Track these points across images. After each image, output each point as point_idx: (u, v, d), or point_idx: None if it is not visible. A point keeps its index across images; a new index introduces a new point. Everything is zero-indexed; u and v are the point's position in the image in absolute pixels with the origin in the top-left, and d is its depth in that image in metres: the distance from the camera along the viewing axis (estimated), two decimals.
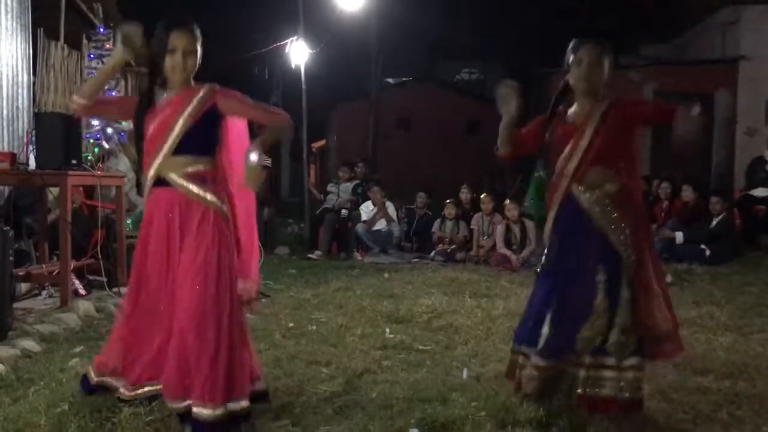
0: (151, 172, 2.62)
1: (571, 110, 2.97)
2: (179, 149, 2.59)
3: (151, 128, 2.61)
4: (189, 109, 2.58)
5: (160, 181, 2.63)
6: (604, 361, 2.79)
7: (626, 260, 2.81)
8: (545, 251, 3.05)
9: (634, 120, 2.95)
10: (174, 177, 2.59)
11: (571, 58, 2.92)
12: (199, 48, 2.61)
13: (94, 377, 2.81)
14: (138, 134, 2.64)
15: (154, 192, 2.65)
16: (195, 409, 2.46)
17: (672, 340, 2.96)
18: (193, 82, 2.66)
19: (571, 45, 2.94)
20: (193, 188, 2.59)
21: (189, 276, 2.53)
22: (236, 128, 2.76)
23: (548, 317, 2.87)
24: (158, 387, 2.65)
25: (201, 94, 2.60)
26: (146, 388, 2.69)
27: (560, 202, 2.94)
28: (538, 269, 3.18)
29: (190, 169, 2.60)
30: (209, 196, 2.60)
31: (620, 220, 2.83)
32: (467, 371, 3.37)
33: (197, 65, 2.63)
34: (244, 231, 2.77)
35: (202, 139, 2.62)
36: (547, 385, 2.86)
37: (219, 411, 2.46)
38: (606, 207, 2.85)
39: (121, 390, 2.72)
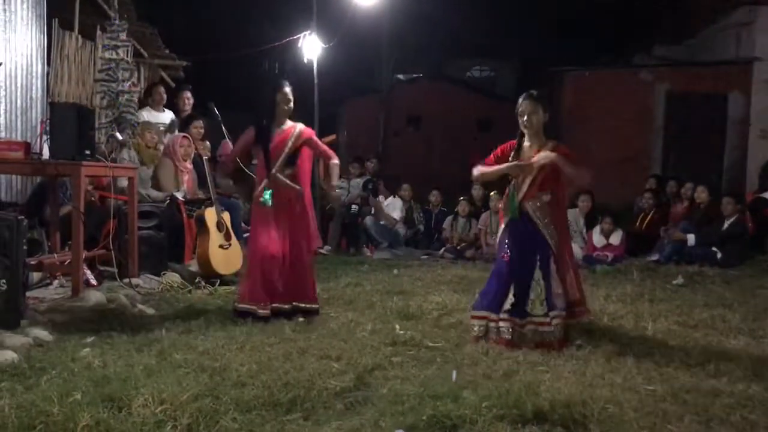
0: (269, 174, 4.65)
1: (525, 146, 4.08)
2: (284, 162, 4.68)
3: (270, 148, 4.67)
4: (289, 143, 4.71)
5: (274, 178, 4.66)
6: (543, 318, 3.92)
7: (553, 247, 3.99)
8: (501, 243, 4.18)
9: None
10: (280, 175, 4.67)
11: (517, 110, 4.02)
12: (291, 98, 4.72)
13: (241, 305, 4.54)
14: (265, 152, 4.66)
15: (272, 182, 4.66)
16: (304, 305, 4.64)
17: (580, 305, 4.18)
18: (289, 122, 4.76)
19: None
20: (288, 181, 4.70)
21: (298, 232, 4.69)
22: (307, 153, 4.86)
23: (511, 290, 3.98)
24: (278, 305, 4.58)
25: (295, 133, 4.72)
26: (275, 304, 4.55)
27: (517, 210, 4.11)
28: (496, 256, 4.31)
29: (288, 171, 4.70)
30: (296, 186, 4.72)
31: (550, 221, 4.03)
32: (456, 373, 3.31)
33: (291, 109, 4.73)
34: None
35: (293, 158, 4.73)
36: (514, 338, 3.92)
37: (316, 305, 4.71)
38: (542, 211, 4.03)
39: (259, 311, 4.46)
